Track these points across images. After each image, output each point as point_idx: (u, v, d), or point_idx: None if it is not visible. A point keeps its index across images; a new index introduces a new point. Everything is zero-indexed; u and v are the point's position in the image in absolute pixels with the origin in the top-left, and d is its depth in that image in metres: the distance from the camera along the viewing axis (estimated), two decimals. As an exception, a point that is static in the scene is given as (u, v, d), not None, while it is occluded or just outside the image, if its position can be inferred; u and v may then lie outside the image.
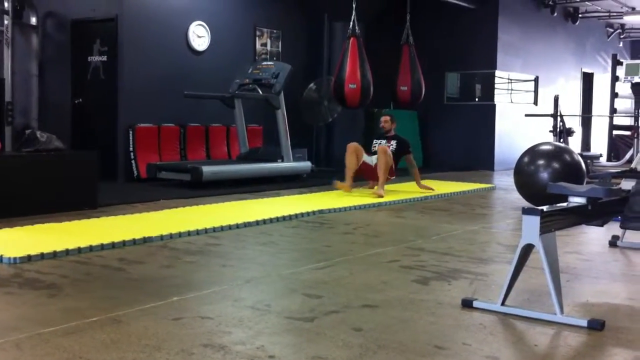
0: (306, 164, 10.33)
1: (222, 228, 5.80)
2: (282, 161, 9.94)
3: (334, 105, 11.77)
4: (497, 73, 13.59)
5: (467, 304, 3.55)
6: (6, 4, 9.56)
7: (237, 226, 5.94)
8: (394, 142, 8.75)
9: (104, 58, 9.91)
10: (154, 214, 6.56)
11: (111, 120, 9.69)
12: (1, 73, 9.25)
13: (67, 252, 4.66)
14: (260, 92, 9.92)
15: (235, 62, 10.74)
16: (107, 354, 2.78)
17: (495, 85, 13.69)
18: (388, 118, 8.93)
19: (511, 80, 14.23)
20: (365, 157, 8.55)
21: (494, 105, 13.53)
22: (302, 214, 6.70)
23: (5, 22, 9.56)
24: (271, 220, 6.31)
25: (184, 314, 3.36)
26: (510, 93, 14.34)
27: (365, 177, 8.78)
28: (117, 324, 3.17)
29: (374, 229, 6.17)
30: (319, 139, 12.55)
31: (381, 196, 8.05)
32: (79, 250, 4.73)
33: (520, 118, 13.35)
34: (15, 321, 3.20)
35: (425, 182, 9.02)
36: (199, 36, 10.55)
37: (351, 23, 10.71)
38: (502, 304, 3.47)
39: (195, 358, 2.76)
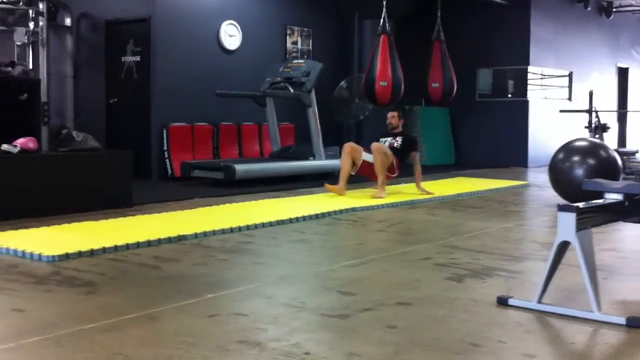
0: (338, 162, 10.27)
1: (255, 226, 5.83)
2: (314, 159, 9.95)
3: (364, 103, 11.75)
4: (530, 69, 13.45)
5: (502, 302, 3.53)
6: (41, 6, 9.71)
7: (270, 224, 5.97)
8: (399, 139, 8.32)
9: (138, 58, 10.02)
10: (188, 212, 6.62)
11: (145, 120, 9.80)
12: (37, 74, 9.39)
13: (103, 250, 4.73)
14: (292, 91, 9.95)
15: (266, 60, 10.78)
16: (144, 350, 2.82)
17: (528, 81, 13.55)
18: (395, 114, 8.52)
19: (544, 75, 14.07)
20: (366, 156, 8.09)
21: (527, 102, 13.40)
22: (334, 212, 6.71)
23: (40, 23, 9.71)
24: (304, 218, 6.33)
25: (218, 311, 3.39)
26: (544, 89, 14.18)
27: (369, 177, 8.32)
28: (154, 321, 3.21)
29: (407, 226, 6.15)
30: (350, 136, 12.51)
31: (381, 198, 7.64)
32: (116, 248, 4.79)
33: (555, 114, 13.22)
34: (55, 318, 3.26)
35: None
36: (231, 35, 10.61)
37: (381, 20, 10.70)
38: (538, 301, 3.43)
39: (231, 354, 2.78)
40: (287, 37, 11.65)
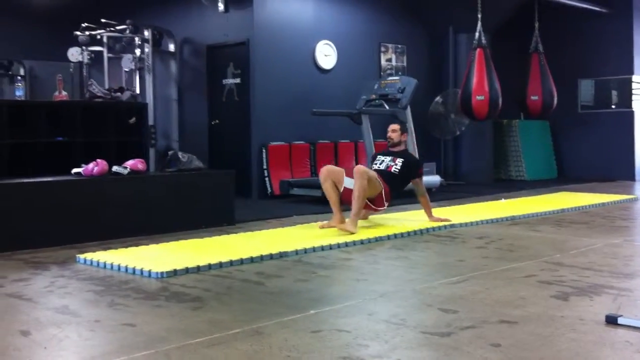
0: (435, 178, 10.25)
1: (354, 243, 5.87)
2: (411, 176, 9.88)
3: (461, 118, 11.63)
4: (635, 78, 12.92)
5: (611, 321, 3.41)
6: (146, 33, 10.19)
7: (369, 241, 6.00)
8: (399, 161, 6.94)
9: (238, 80, 10.32)
10: (288, 229, 6.74)
11: (245, 140, 10.07)
12: (144, 98, 9.84)
13: (209, 266, 4.89)
14: (387, 107, 9.97)
15: (361, 78, 10.85)
16: (252, 364, 2.90)
17: (633, 91, 13.02)
18: (397, 127, 7.15)
19: (651, 85, 13.49)
20: (347, 182, 6.61)
21: (632, 112, 12.87)
22: (432, 229, 6.66)
23: (146, 50, 10.19)
24: (402, 235, 6.32)
25: (321, 326, 3.44)
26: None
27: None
28: (259, 336, 3.29)
29: (508, 243, 6.03)
30: (447, 152, 12.42)
31: (351, 232, 6.16)
32: (220, 264, 4.94)
33: (662, 125, 12.65)
34: (164, 332, 3.39)
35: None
36: (326, 55, 10.76)
37: (477, 34, 10.59)
38: (650, 320, 3.31)
39: (335, 370, 2.82)
40: (382, 54, 11.70)
